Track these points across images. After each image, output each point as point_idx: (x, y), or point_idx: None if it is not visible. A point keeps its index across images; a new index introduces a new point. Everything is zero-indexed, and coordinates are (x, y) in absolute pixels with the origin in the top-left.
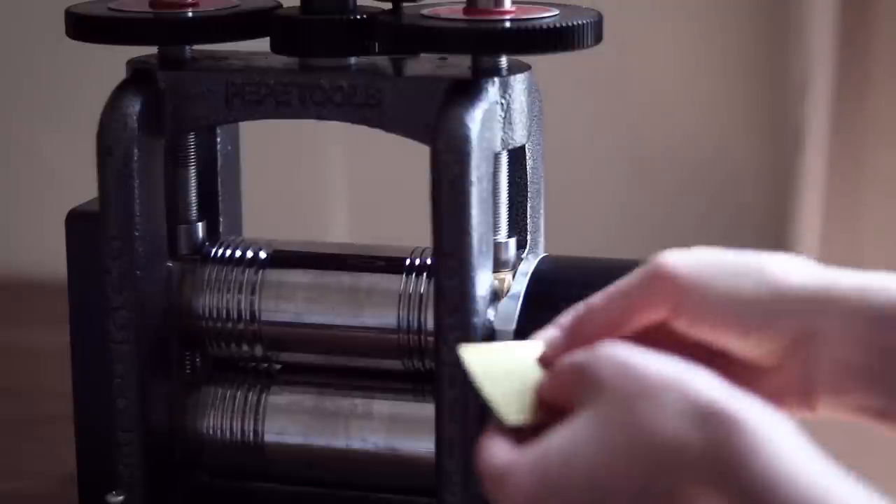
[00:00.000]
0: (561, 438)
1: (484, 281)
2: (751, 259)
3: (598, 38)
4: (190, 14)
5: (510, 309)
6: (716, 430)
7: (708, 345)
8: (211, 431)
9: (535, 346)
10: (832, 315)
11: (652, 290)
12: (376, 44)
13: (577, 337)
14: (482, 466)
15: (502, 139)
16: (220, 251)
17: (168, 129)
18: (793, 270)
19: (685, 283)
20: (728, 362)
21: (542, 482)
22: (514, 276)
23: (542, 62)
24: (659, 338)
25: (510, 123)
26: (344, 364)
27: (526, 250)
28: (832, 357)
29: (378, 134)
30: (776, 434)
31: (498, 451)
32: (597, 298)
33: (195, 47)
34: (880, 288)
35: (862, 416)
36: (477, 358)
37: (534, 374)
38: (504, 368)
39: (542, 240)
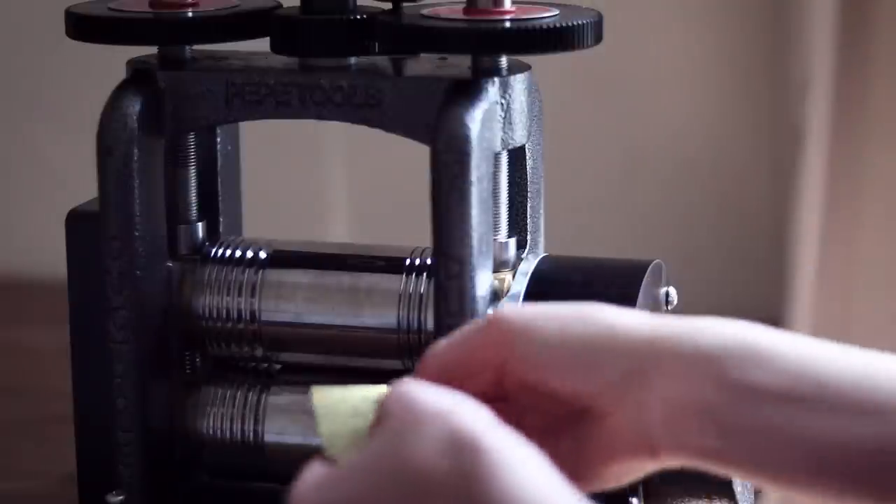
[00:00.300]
0: (348, 465)
1: (484, 281)
2: (583, 307)
3: (598, 38)
4: (190, 14)
5: None
6: (463, 458)
7: (547, 391)
8: (211, 431)
9: (384, 389)
10: (662, 356)
11: (487, 335)
12: (376, 44)
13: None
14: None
15: (502, 139)
16: (220, 251)
17: (168, 129)
18: (623, 315)
19: (517, 326)
20: (569, 412)
21: (314, 488)
22: (514, 276)
23: (541, 62)
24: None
25: (510, 123)
26: (344, 364)
27: (526, 250)
28: (664, 397)
29: (378, 134)
30: (517, 461)
31: (306, 475)
32: (440, 343)
33: (195, 47)
34: (708, 327)
35: (703, 460)
36: (323, 397)
37: (371, 414)
38: (347, 409)
39: (542, 240)
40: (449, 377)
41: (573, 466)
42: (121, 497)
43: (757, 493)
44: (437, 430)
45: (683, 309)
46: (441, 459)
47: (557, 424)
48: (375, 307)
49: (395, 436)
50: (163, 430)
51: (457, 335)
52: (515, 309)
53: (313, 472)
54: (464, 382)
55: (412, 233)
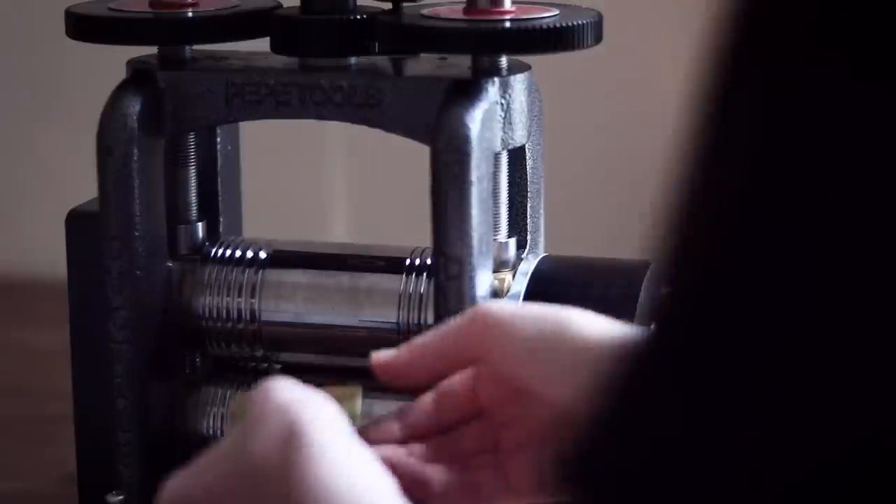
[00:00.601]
0: (208, 456)
1: (484, 281)
2: (559, 311)
3: (599, 38)
4: (190, 14)
5: None
6: (289, 450)
7: (523, 390)
8: (211, 431)
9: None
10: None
11: (471, 326)
12: (376, 44)
13: (402, 370)
14: None
15: (502, 139)
16: (220, 251)
17: (168, 129)
18: (593, 323)
19: (499, 320)
20: (543, 423)
21: (177, 489)
22: (514, 276)
23: (542, 62)
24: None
25: (510, 123)
26: (344, 364)
27: (526, 250)
28: None
29: (378, 134)
30: (338, 454)
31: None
32: (424, 335)
33: (195, 47)
34: None
35: None
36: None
37: None
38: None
39: (542, 240)
40: (429, 364)
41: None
42: (121, 497)
43: None
44: (277, 424)
45: None
46: (273, 452)
47: (533, 438)
48: (375, 307)
49: (245, 429)
50: (163, 430)
51: (440, 327)
52: (499, 304)
53: (188, 464)
54: (443, 372)
55: (412, 233)
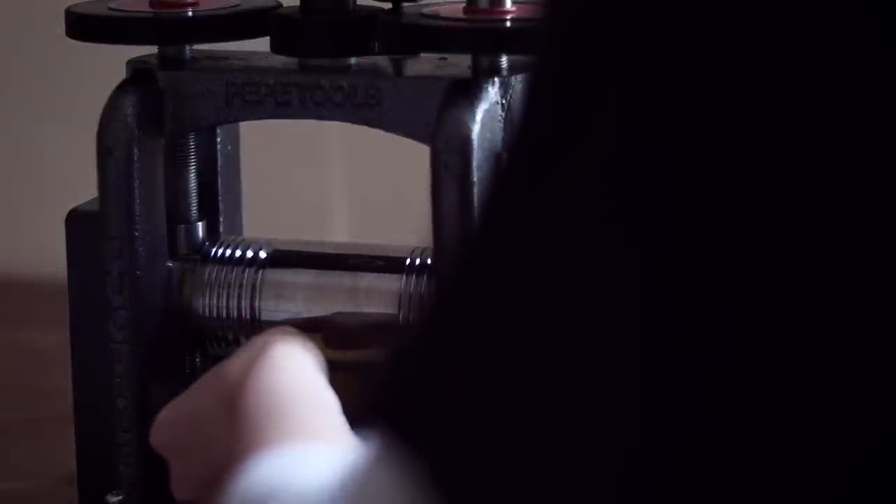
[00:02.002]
0: (194, 385)
1: None
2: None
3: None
4: (190, 13)
5: None
6: (250, 361)
7: None
8: None
9: None
10: None
11: None
12: (376, 44)
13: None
14: None
15: (502, 139)
16: (220, 251)
17: (168, 129)
18: None
19: None
20: None
21: (166, 418)
22: None
23: None
24: None
25: (510, 123)
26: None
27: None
28: None
29: (378, 134)
30: (289, 365)
31: None
32: None
33: (195, 47)
34: None
35: None
36: None
37: None
38: None
39: None
40: None
41: None
42: (121, 497)
43: None
44: (251, 352)
45: None
46: (240, 370)
47: None
48: (376, 307)
49: (228, 359)
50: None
51: None
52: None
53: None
54: None
55: (412, 232)
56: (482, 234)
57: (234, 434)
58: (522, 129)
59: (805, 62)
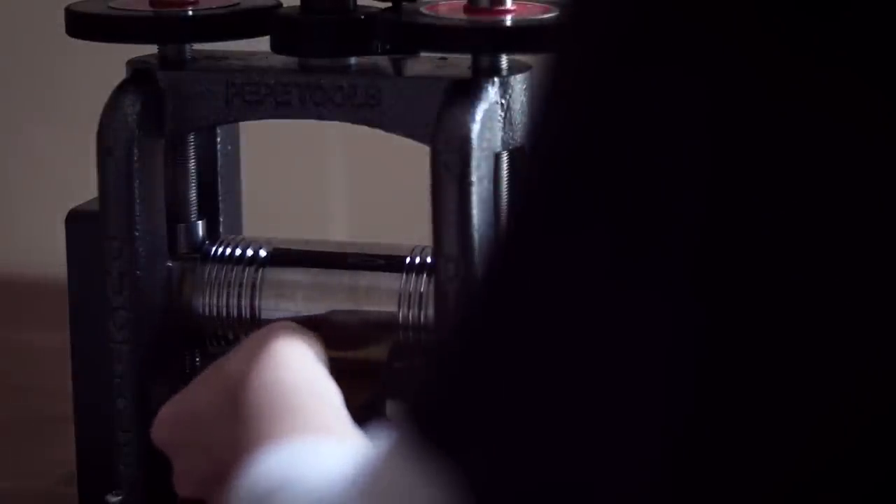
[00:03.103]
0: (196, 380)
1: None
2: None
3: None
4: (190, 12)
5: None
6: (252, 356)
7: None
8: None
9: None
10: None
11: None
12: (376, 43)
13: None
14: None
15: (502, 139)
16: (220, 250)
17: (168, 129)
18: None
19: None
20: None
21: (167, 414)
22: None
23: (542, 62)
24: None
25: (510, 123)
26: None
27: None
28: None
29: (378, 134)
30: (290, 359)
31: None
32: None
33: (195, 47)
34: None
35: None
36: None
37: None
38: None
39: None
40: None
41: None
42: (120, 497)
43: None
44: (253, 345)
45: None
46: (243, 364)
47: None
48: (375, 306)
49: (229, 354)
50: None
51: None
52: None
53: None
54: None
55: (412, 233)
56: (518, 240)
57: (238, 428)
58: (553, 150)
59: (835, 87)
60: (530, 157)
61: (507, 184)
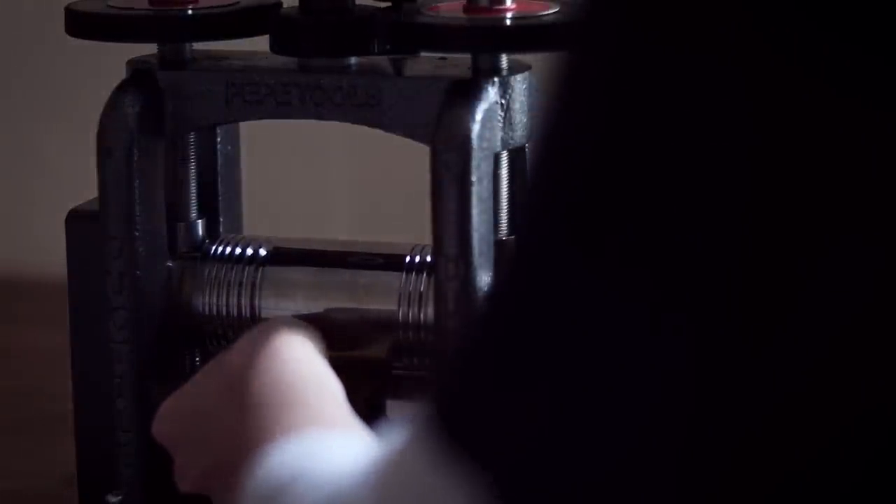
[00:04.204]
0: (197, 375)
1: (484, 281)
2: None
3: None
4: (189, 11)
5: None
6: (252, 349)
7: None
8: None
9: None
10: None
11: None
12: (376, 43)
13: None
14: None
15: (502, 139)
16: (220, 249)
17: (168, 129)
18: None
19: None
20: None
21: (168, 409)
22: None
23: (542, 61)
24: None
25: (510, 123)
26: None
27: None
28: None
29: (378, 134)
30: (289, 351)
31: None
32: None
33: (195, 47)
34: None
35: None
36: None
37: None
38: None
39: None
40: None
41: None
42: (120, 497)
43: None
44: (253, 339)
45: None
46: (244, 358)
47: None
48: (375, 304)
49: (230, 348)
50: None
51: None
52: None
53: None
54: None
55: (412, 232)
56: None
57: (242, 423)
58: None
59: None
60: (545, 162)
61: (508, 183)
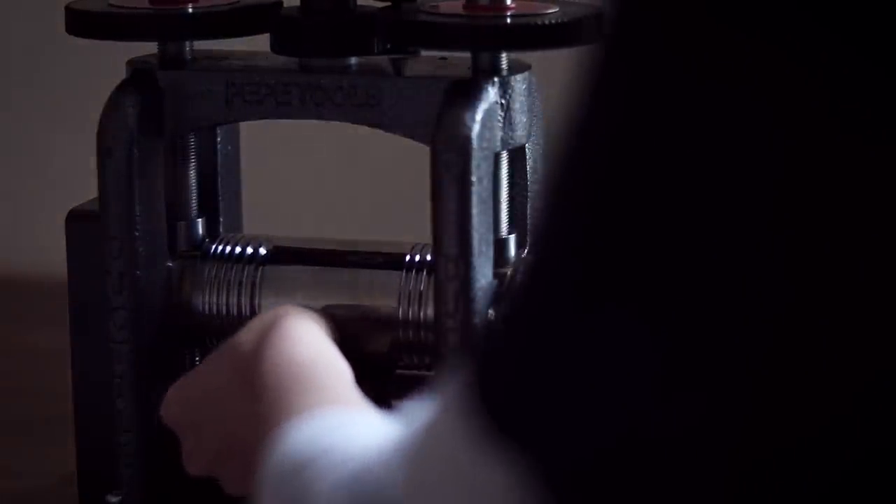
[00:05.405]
0: (204, 360)
1: (484, 281)
2: None
3: (600, 34)
4: (190, 10)
5: None
6: (265, 335)
7: None
8: None
9: None
10: None
11: None
12: (376, 43)
13: None
14: None
15: (502, 139)
16: (220, 248)
17: (168, 129)
18: None
19: None
20: None
21: (176, 394)
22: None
23: (542, 61)
24: None
25: (510, 123)
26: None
27: (526, 250)
28: None
29: (378, 133)
30: (298, 333)
31: None
32: None
33: (195, 47)
34: None
35: None
36: None
37: None
38: None
39: None
40: None
41: None
42: (120, 497)
43: None
44: (262, 322)
45: None
46: (254, 338)
47: None
48: (375, 303)
49: (238, 332)
50: (163, 431)
51: None
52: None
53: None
54: None
55: (412, 232)
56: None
57: (255, 405)
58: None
59: None
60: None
61: (508, 183)
